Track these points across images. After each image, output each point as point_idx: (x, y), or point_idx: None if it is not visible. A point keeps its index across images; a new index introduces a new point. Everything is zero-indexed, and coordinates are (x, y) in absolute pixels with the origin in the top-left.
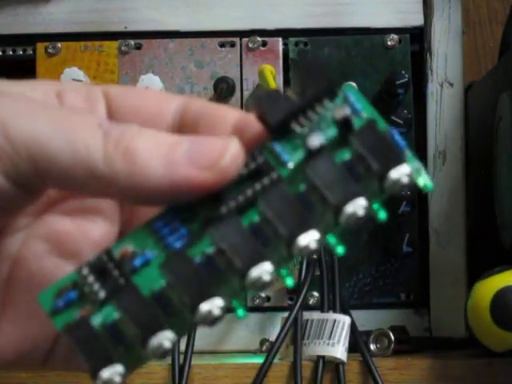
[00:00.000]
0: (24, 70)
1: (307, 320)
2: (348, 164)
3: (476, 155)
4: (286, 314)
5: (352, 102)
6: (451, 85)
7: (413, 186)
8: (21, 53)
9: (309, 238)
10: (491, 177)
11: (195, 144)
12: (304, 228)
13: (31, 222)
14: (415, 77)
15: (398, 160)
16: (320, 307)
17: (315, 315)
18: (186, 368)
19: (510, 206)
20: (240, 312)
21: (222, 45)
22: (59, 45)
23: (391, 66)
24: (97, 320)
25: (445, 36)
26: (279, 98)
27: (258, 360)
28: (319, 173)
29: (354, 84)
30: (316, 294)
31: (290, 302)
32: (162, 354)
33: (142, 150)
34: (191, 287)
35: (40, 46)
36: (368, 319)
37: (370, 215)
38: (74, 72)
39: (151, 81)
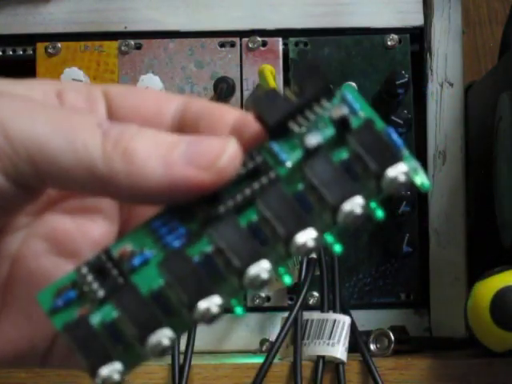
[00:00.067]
0: (24, 69)
1: (307, 320)
2: (345, 163)
3: (476, 155)
4: (286, 314)
5: (350, 102)
6: (451, 85)
7: (410, 184)
8: (21, 53)
9: (306, 237)
10: (491, 177)
11: (193, 144)
12: (301, 227)
13: (31, 221)
14: (415, 77)
15: (395, 159)
16: (320, 307)
17: (315, 315)
18: (186, 368)
19: (510, 205)
20: (239, 310)
21: (222, 45)
22: (59, 45)
23: (391, 66)
24: (96, 319)
25: (445, 36)
26: (277, 97)
27: (258, 360)
28: (317, 172)
29: (353, 84)
30: (316, 293)
31: (289, 302)
32: (160, 352)
33: (141, 150)
34: (189, 286)
35: (40, 46)
36: (368, 319)
37: (367, 214)
38: (73, 72)
39: (151, 81)
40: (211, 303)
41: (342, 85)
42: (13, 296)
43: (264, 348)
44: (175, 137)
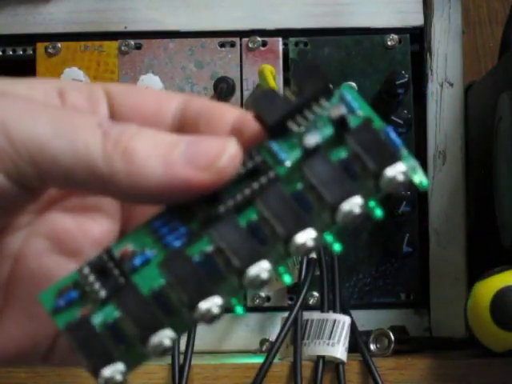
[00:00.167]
0: (24, 69)
1: (307, 320)
2: (344, 162)
3: (476, 155)
4: (286, 314)
5: (348, 101)
6: (451, 85)
7: (408, 183)
8: (21, 53)
9: (306, 237)
10: (491, 177)
11: (193, 144)
12: (301, 226)
13: (32, 219)
14: (415, 77)
15: (394, 158)
16: (320, 307)
17: (315, 315)
18: (186, 368)
19: (510, 206)
20: (239, 309)
21: (222, 45)
22: (59, 45)
23: (391, 66)
24: (97, 319)
25: (445, 36)
26: (276, 97)
27: (258, 360)
28: (315, 172)
29: (353, 84)
30: (316, 293)
31: (290, 302)
32: (162, 352)
33: (141, 150)
34: (190, 286)
35: (40, 46)
36: (368, 319)
37: (366, 213)
38: (73, 72)
39: (151, 81)
40: (212, 304)
41: (341, 85)
42: (15, 295)
43: (264, 348)
44: (175, 136)
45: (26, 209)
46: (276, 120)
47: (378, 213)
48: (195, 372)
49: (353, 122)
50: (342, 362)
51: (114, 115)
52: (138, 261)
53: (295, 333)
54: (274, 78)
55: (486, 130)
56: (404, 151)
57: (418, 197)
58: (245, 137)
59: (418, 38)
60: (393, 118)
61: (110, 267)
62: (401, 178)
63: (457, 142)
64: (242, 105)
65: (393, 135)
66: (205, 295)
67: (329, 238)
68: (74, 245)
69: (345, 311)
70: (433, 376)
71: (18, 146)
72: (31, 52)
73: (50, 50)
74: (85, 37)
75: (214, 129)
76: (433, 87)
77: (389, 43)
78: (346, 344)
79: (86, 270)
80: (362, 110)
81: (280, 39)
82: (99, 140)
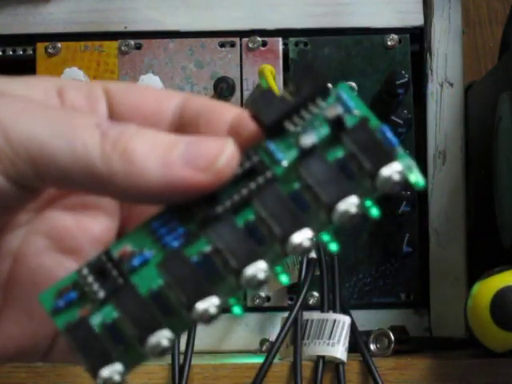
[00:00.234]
0: (24, 70)
1: (307, 320)
2: (340, 162)
3: (476, 155)
4: (286, 314)
5: (344, 100)
6: (451, 85)
7: (405, 183)
8: (21, 53)
9: (302, 237)
10: (491, 177)
11: (191, 145)
12: (298, 226)
13: (32, 218)
14: (415, 77)
15: (389, 158)
16: (320, 307)
17: (315, 315)
18: (186, 368)
19: (510, 206)
20: (237, 310)
21: (222, 45)
22: (59, 45)
23: (391, 66)
24: (96, 320)
25: (445, 36)
26: (273, 97)
27: (258, 360)
28: (312, 172)
29: (353, 84)
30: (316, 294)
31: (290, 302)
32: (160, 352)
33: (139, 151)
34: (188, 286)
35: (40, 46)
36: (368, 319)
37: (362, 213)
38: (73, 72)
39: (151, 81)
40: (209, 304)
41: (338, 83)
42: (14, 294)
43: (264, 348)
44: (174, 137)
45: (26, 207)
46: (273, 120)
47: (375, 212)
48: (195, 372)
49: (349, 122)
50: (342, 362)
51: (114, 114)
52: (136, 261)
53: (295, 333)
54: (274, 77)
55: (486, 130)
56: (400, 150)
57: (418, 197)
58: (243, 135)
59: (418, 38)
60: (393, 118)
61: (108, 268)
62: (397, 177)
63: (457, 142)
64: (241, 105)
65: (389, 134)
66: (202, 295)
67: (326, 237)
68: (73, 243)
69: (345, 311)
70: (433, 376)
71: (16, 147)
72: (31, 52)
73: (50, 50)
74: (85, 37)
75: (213, 127)
76: (433, 87)
77: (389, 43)
78: (346, 344)
79: (85, 271)
80: (358, 110)
81: (280, 39)
82: (97, 140)
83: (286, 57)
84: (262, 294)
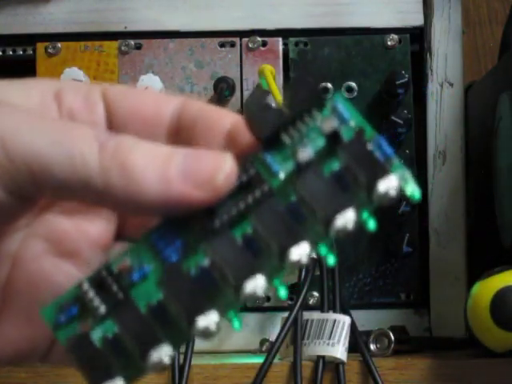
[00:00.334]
0: (24, 70)
1: (307, 320)
2: (337, 175)
3: (476, 155)
4: (286, 314)
5: (340, 111)
6: (451, 85)
7: (401, 195)
8: (21, 53)
9: (300, 252)
10: (491, 177)
11: (190, 159)
12: (295, 241)
13: (30, 221)
14: (415, 77)
15: (386, 172)
16: (320, 307)
17: (315, 315)
18: (186, 368)
19: (510, 206)
20: (236, 324)
21: (222, 45)
22: (59, 45)
23: (391, 66)
24: (97, 334)
25: (445, 36)
26: (269, 109)
27: (258, 360)
28: (308, 186)
29: (353, 84)
30: (316, 293)
31: (290, 302)
32: (161, 368)
33: (138, 164)
34: (187, 301)
35: (40, 46)
36: (368, 319)
37: (359, 226)
38: (73, 72)
39: (151, 81)
40: (210, 321)
41: (334, 94)
42: (13, 297)
43: (264, 348)
44: (172, 150)
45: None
46: (269, 133)
47: (371, 225)
48: (195, 372)
49: (345, 134)
50: (342, 362)
51: (112, 117)
52: (136, 276)
53: (295, 333)
54: (274, 78)
55: (486, 130)
56: (396, 161)
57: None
58: (240, 143)
59: (418, 38)
60: (393, 118)
61: (108, 282)
62: (393, 192)
63: (457, 142)
64: (241, 105)
65: (385, 145)
66: (202, 311)
67: (323, 250)
68: (71, 246)
69: (345, 311)
70: (433, 376)
71: (14, 159)
72: (31, 52)
73: (50, 50)
74: (85, 37)
75: (210, 134)
76: (433, 87)
77: (389, 43)
78: (346, 344)
79: (86, 286)
80: (353, 120)
81: (280, 39)
82: (96, 152)
83: (285, 57)
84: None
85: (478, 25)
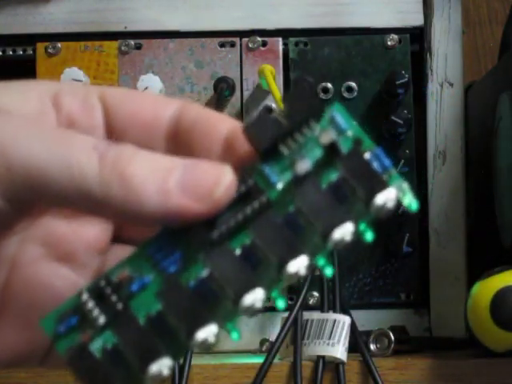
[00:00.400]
0: (24, 70)
1: (307, 320)
2: (334, 186)
3: (476, 155)
4: (286, 314)
5: (338, 122)
6: (451, 85)
7: (398, 206)
8: (21, 53)
9: (298, 265)
10: (491, 177)
11: (189, 170)
12: (294, 254)
13: (27, 225)
14: (415, 77)
15: (383, 185)
16: (320, 307)
17: (315, 315)
18: (186, 368)
19: (510, 206)
20: (234, 335)
21: (222, 45)
22: (59, 45)
23: (391, 66)
24: (96, 346)
25: (445, 36)
26: (267, 120)
27: (258, 360)
28: (306, 199)
29: (354, 84)
30: (316, 293)
31: (290, 302)
32: (160, 380)
33: (137, 176)
34: (186, 313)
35: (40, 46)
36: (368, 319)
37: (357, 237)
38: (73, 72)
39: (151, 81)
40: (208, 333)
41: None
42: (11, 301)
43: (264, 348)
44: (171, 161)
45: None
46: (267, 144)
47: (369, 236)
48: (195, 372)
49: (343, 145)
50: (342, 362)
51: (110, 121)
52: (135, 286)
53: (295, 333)
54: (274, 78)
55: (486, 130)
56: (393, 172)
57: (418, 197)
58: (238, 150)
59: (418, 38)
60: (393, 117)
61: (108, 293)
62: (391, 204)
63: (457, 142)
64: (241, 105)
65: (382, 157)
66: (201, 322)
67: (321, 261)
68: (68, 250)
69: (345, 311)
70: (433, 376)
71: (13, 168)
72: (31, 52)
73: (50, 50)
74: (85, 37)
75: (208, 139)
76: (433, 87)
77: (389, 43)
78: (346, 344)
79: (85, 296)
80: (351, 131)
81: (280, 39)
82: (95, 163)
83: (285, 57)
84: None
85: (478, 25)
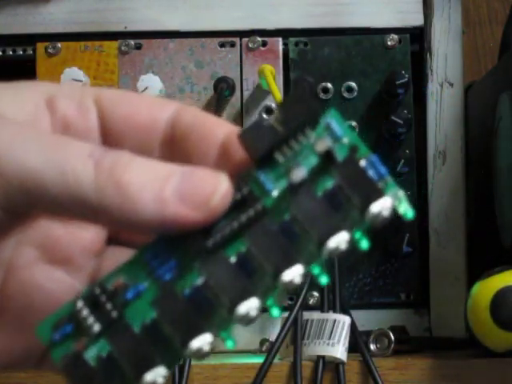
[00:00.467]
0: (24, 69)
1: (307, 320)
2: (330, 194)
3: (476, 155)
4: (286, 314)
5: (333, 129)
6: (451, 85)
7: (394, 214)
8: (21, 53)
9: (293, 274)
10: (491, 177)
11: (186, 178)
12: (289, 263)
13: (23, 227)
14: (415, 77)
15: (379, 193)
16: (320, 307)
17: (315, 315)
18: (186, 368)
19: (509, 206)
20: (230, 343)
21: (222, 45)
22: (59, 45)
23: (391, 66)
24: (91, 354)
25: (445, 36)
26: (263, 128)
27: (258, 360)
28: (301, 206)
29: (354, 84)
30: (316, 294)
31: (290, 302)
32: None
33: (133, 183)
34: (181, 321)
35: (40, 46)
36: (368, 319)
37: (352, 246)
38: (73, 72)
39: (151, 81)
40: (203, 342)
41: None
42: (6, 305)
43: (264, 348)
44: (167, 168)
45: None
46: (263, 152)
47: (364, 244)
48: (195, 372)
49: (339, 153)
50: (342, 362)
51: (105, 124)
52: (130, 294)
53: (295, 333)
54: (274, 78)
55: (486, 130)
56: (389, 180)
57: (418, 197)
58: (234, 155)
59: (418, 38)
60: (393, 117)
61: (102, 300)
62: (386, 213)
63: (457, 142)
64: (241, 105)
65: (378, 164)
66: (195, 331)
67: (316, 270)
68: (64, 253)
69: (345, 311)
70: (433, 376)
71: (8, 175)
72: (31, 52)
73: (50, 50)
74: (85, 37)
75: (205, 144)
76: (433, 87)
77: (389, 43)
78: (346, 344)
79: (80, 304)
80: (347, 138)
81: (280, 39)
82: (91, 171)
83: (285, 57)
84: None
85: (478, 25)
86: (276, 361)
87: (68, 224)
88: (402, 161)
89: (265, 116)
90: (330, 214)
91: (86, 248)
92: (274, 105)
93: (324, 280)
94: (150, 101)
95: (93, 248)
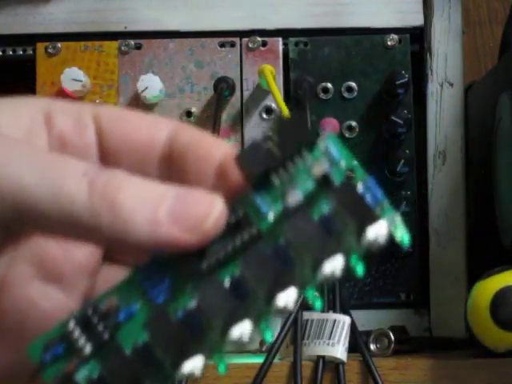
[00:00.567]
0: (24, 69)
1: (307, 320)
2: (326, 219)
3: (476, 155)
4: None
5: (330, 152)
6: (451, 85)
7: (390, 239)
8: (21, 53)
9: (287, 298)
10: (491, 177)
11: (180, 199)
12: (283, 286)
13: (17, 245)
14: (415, 77)
15: (375, 219)
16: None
17: (315, 315)
18: None
19: (509, 206)
20: (221, 368)
21: (222, 45)
22: (59, 45)
23: (391, 66)
24: (82, 375)
25: (445, 36)
26: (260, 150)
27: (258, 360)
28: (297, 231)
29: (354, 84)
30: (316, 294)
31: None
32: None
33: (127, 204)
34: (173, 344)
35: (40, 46)
36: (368, 319)
37: (348, 270)
38: (74, 72)
39: (151, 81)
40: (195, 365)
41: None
42: (0, 322)
43: (264, 348)
44: (162, 189)
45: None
46: (259, 173)
47: (360, 270)
48: None
49: (336, 177)
50: (342, 362)
51: (103, 141)
52: (122, 315)
53: (295, 333)
54: (274, 78)
55: (486, 130)
56: (386, 204)
57: (418, 197)
58: (230, 177)
59: (418, 38)
60: (393, 117)
61: (94, 322)
62: (382, 239)
63: (457, 142)
64: (241, 105)
65: (375, 188)
66: (187, 355)
67: (310, 293)
68: (58, 270)
69: (345, 311)
70: (433, 376)
71: (2, 193)
72: (31, 52)
73: (50, 50)
74: (85, 37)
75: (202, 164)
76: (433, 87)
77: (389, 43)
78: (346, 344)
79: (72, 324)
80: (344, 161)
81: (280, 39)
82: (84, 190)
83: (285, 57)
84: None
85: (478, 25)
86: (276, 361)
87: (63, 242)
88: (402, 161)
89: (265, 116)
90: (326, 238)
91: (81, 266)
92: (273, 105)
93: (318, 304)
94: (148, 119)
95: (88, 266)
